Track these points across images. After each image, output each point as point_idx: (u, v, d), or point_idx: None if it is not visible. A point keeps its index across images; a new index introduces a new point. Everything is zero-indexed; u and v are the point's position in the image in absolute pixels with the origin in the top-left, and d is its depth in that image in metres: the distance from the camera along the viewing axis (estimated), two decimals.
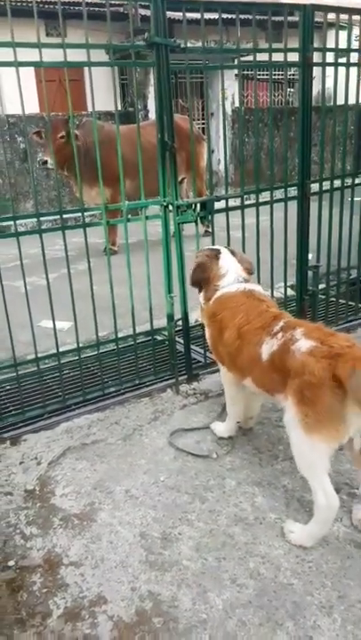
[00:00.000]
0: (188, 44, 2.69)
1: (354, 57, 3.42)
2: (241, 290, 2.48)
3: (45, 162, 6.01)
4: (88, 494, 2.41)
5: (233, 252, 2.68)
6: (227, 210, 3.15)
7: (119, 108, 9.50)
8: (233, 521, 2.20)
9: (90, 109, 9.27)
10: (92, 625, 1.80)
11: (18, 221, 2.86)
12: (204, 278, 2.61)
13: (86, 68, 2.73)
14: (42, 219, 2.72)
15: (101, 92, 2.96)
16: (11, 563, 2.07)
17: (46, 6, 7.77)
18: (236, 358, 2.37)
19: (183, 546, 2.10)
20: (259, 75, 3.23)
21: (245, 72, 7.70)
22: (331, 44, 3.32)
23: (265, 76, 3.19)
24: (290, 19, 3.09)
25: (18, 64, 2.38)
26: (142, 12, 8.28)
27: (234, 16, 2.86)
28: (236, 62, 3.11)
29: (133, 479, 2.48)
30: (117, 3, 6.03)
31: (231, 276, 2.56)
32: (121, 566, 2.03)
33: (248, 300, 2.41)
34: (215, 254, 2.63)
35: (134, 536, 2.16)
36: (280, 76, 10.23)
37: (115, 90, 2.85)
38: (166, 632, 1.76)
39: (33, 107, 8.32)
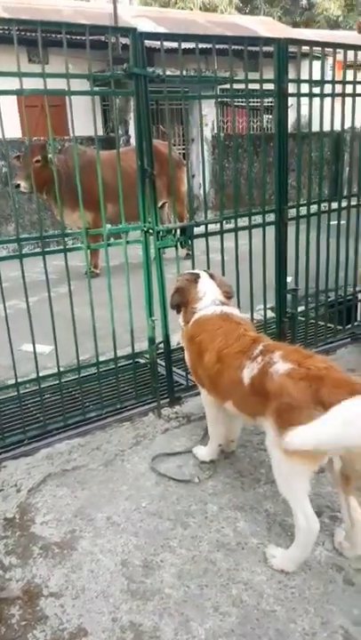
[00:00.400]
0: (168, 72, 2.76)
1: (328, 87, 3.53)
2: (218, 313, 2.52)
3: (18, 185, 6.05)
4: (69, 522, 2.37)
5: (212, 276, 2.72)
6: (206, 235, 3.19)
7: (100, 133, 9.62)
8: (215, 547, 2.19)
9: (71, 135, 9.40)
10: None
11: None
12: (183, 302, 2.65)
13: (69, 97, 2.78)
14: (23, 242, 2.72)
15: (83, 117, 3.00)
16: None
17: (27, 34, 7.91)
18: (216, 382, 2.38)
19: (165, 573, 2.07)
20: (236, 102, 3.31)
21: (224, 99, 7.89)
22: (305, 74, 3.44)
23: (243, 103, 3.28)
24: (265, 48, 3.19)
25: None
26: (123, 40, 8.45)
27: (211, 46, 2.96)
28: (214, 91, 3.20)
29: (115, 505, 2.45)
30: (97, 32, 6.17)
31: (208, 298, 2.59)
32: (102, 596, 1.99)
33: (225, 323, 2.44)
34: (194, 278, 2.67)
35: (116, 564, 2.13)
36: (258, 103, 10.51)
37: (94, 117, 2.89)
38: None
39: (16, 132, 8.38)
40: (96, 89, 2.97)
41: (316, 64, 3.82)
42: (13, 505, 2.50)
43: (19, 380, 2.93)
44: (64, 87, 2.60)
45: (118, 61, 3.03)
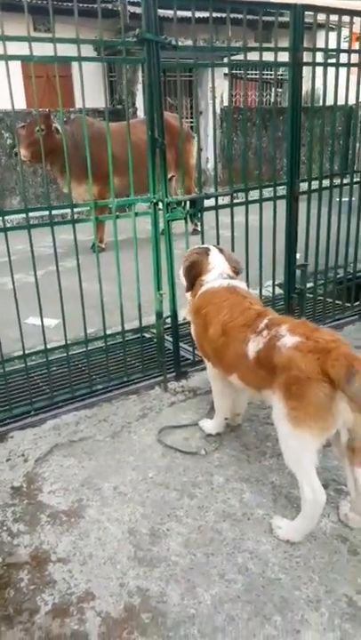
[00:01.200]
0: (178, 43, 2.69)
1: (343, 57, 3.44)
2: (225, 285, 2.51)
3: (17, 153, 6.02)
4: (76, 491, 2.40)
5: (221, 251, 2.69)
6: (216, 208, 3.15)
7: (108, 105, 9.45)
8: (221, 517, 2.21)
9: (78, 106, 9.24)
10: (80, 621, 1.80)
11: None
12: (197, 276, 2.63)
13: (74, 65, 2.70)
14: (30, 212, 2.69)
15: (89, 88, 2.94)
16: None
17: (34, 1, 7.73)
18: (221, 355, 2.38)
19: (172, 542, 2.10)
20: (248, 74, 3.23)
21: (235, 71, 7.72)
22: (320, 45, 3.34)
23: (254, 76, 3.17)
24: (280, 19, 3.10)
25: (8, 57, 2.36)
26: (131, 9, 8.26)
27: (224, 15, 2.87)
28: (225, 61, 3.12)
29: (122, 476, 2.48)
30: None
31: (216, 271, 2.58)
32: (109, 562, 2.02)
33: (231, 296, 2.43)
34: (205, 251, 2.65)
35: (123, 532, 2.16)
36: (269, 76, 10.28)
37: (104, 86, 2.83)
38: (155, 627, 1.76)
39: (20, 103, 8.25)
40: (107, 57, 2.89)
41: (332, 35, 3.72)
42: (20, 474, 2.53)
43: (26, 352, 2.94)
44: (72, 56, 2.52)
45: (126, 30, 2.95)
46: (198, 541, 2.10)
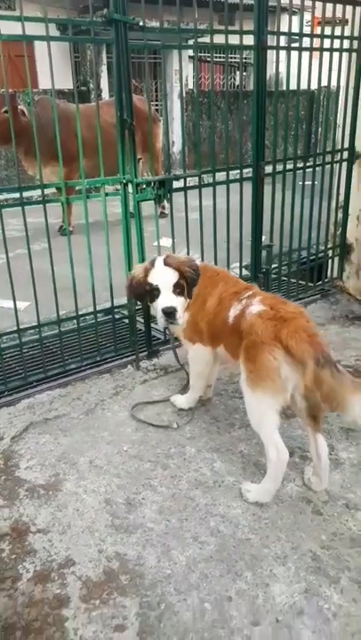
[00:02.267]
0: (145, 24, 2.72)
1: (306, 42, 3.53)
2: (201, 265, 2.61)
3: None
4: (52, 466, 2.46)
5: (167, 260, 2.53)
6: (185, 189, 3.22)
7: (71, 86, 9.29)
8: (194, 485, 2.32)
9: (41, 87, 9.07)
10: (61, 585, 1.88)
11: None
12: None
13: (37, 45, 2.70)
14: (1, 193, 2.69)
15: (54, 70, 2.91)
16: None
17: None
18: (213, 324, 2.47)
19: (147, 510, 2.20)
20: (214, 57, 3.27)
21: (201, 54, 7.72)
22: (284, 29, 3.42)
23: (220, 59, 3.20)
24: (245, 1, 3.15)
25: None
26: None
27: None
28: (191, 43, 3.15)
29: (97, 450, 2.56)
30: None
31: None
32: (88, 531, 2.11)
33: (217, 271, 2.61)
34: (151, 263, 2.54)
35: (99, 502, 2.24)
36: (235, 59, 10.28)
37: (72, 67, 2.84)
38: (133, 587, 1.86)
39: None
40: (75, 37, 2.88)
41: (295, 20, 3.79)
42: None
43: None
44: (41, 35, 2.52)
45: (83, 10, 2.92)
46: (172, 508, 2.20)
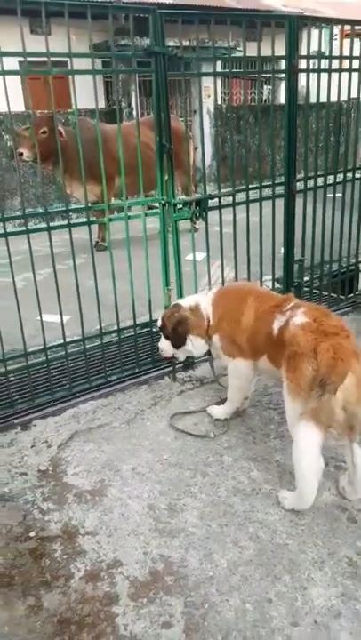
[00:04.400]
0: (174, 43, 2.87)
1: (335, 63, 3.64)
2: (215, 290, 2.90)
3: (21, 154, 6.14)
4: (98, 472, 2.60)
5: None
6: (219, 207, 3.35)
7: (103, 105, 9.62)
8: (232, 492, 2.43)
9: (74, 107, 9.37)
10: (111, 584, 2.01)
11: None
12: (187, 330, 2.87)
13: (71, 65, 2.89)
14: (31, 215, 2.83)
15: (86, 90, 3.04)
16: (32, 534, 2.26)
17: (27, 6, 7.83)
18: (254, 339, 2.60)
19: (188, 515, 2.31)
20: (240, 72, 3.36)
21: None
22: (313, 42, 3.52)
23: (250, 76, 3.35)
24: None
25: (4, 72, 2.54)
26: None
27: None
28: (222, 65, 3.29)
29: (139, 458, 2.69)
30: (119, 12, 6.10)
31: (195, 299, 2.91)
32: (133, 534, 2.23)
33: (237, 288, 2.79)
34: (177, 308, 2.91)
35: (143, 508, 2.37)
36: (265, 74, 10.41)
37: (117, 93, 3.01)
38: (178, 587, 1.98)
39: (19, 105, 8.36)
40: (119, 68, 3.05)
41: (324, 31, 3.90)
42: (46, 459, 2.73)
43: (46, 346, 3.13)
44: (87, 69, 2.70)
45: (121, 32, 3.06)
46: (212, 514, 2.31)
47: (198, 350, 2.93)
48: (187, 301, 2.93)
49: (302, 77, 3.54)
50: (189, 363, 3.53)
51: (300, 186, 3.72)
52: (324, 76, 3.54)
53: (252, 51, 3.19)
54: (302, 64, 3.39)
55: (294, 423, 2.22)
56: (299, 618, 1.85)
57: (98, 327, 3.32)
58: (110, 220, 3.07)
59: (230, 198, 3.42)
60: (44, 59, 2.60)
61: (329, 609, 1.87)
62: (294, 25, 3.24)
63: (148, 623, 1.85)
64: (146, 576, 2.04)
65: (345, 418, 2.17)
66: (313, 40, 3.56)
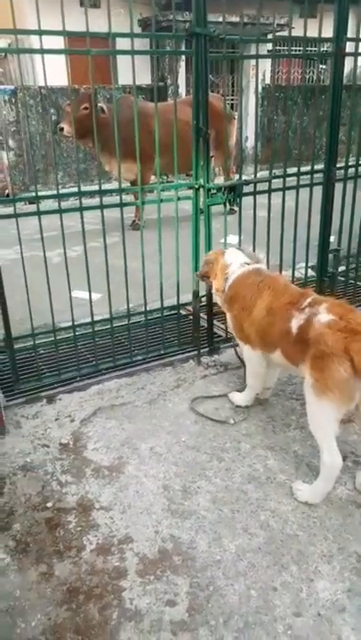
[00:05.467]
0: (220, 19, 2.80)
1: None
2: (250, 270, 2.77)
3: (62, 129, 6.18)
4: (117, 449, 2.66)
5: (240, 250, 2.97)
6: (254, 193, 3.30)
7: (148, 82, 9.53)
8: (246, 479, 2.44)
9: (121, 82, 9.35)
10: (120, 559, 2.07)
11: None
12: (210, 272, 2.93)
13: (118, 42, 2.85)
14: (68, 190, 2.87)
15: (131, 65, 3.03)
16: (49, 504, 2.34)
17: None
18: (265, 333, 2.57)
19: (201, 498, 2.35)
20: (291, 50, 3.25)
21: (278, 47, 7.67)
22: None
23: (297, 52, 3.21)
24: None
25: (43, 51, 2.54)
26: None
27: None
28: (269, 49, 3.21)
29: (157, 438, 2.73)
30: None
31: (235, 264, 2.83)
32: (146, 513, 2.29)
33: (265, 277, 2.68)
34: (221, 252, 2.95)
35: (158, 487, 2.41)
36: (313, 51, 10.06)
37: (155, 74, 2.98)
38: (185, 568, 2.02)
39: (65, 79, 8.41)
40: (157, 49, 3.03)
41: None
42: (68, 432, 2.81)
43: (75, 324, 3.20)
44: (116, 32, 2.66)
45: (169, 6, 3.02)
46: (225, 499, 2.34)
47: (217, 300, 3.03)
48: (230, 255, 2.91)
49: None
50: (215, 348, 3.54)
51: (340, 174, 3.61)
52: None
53: (309, 28, 3.07)
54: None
55: (321, 424, 2.20)
56: (302, 609, 1.86)
57: (126, 307, 3.36)
58: (143, 202, 3.07)
59: (266, 184, 3.36)
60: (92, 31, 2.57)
61: (334, 603, 1.88)
62: (344, 6, 3.11)
63: (153, 599, 1.90)
64: (155, 554, 2.09)
65: None
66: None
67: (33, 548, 2.12)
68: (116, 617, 1.85)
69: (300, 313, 2.37)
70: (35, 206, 2.83)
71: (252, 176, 3.37)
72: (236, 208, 3.35)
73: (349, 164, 3.65)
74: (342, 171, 3.65)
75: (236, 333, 2.83)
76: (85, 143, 6.59)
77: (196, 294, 3.43)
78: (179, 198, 3.17)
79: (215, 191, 3.08)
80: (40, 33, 2.52)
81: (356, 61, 3.37)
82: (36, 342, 3.15)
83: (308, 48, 3.16)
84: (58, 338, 3.19)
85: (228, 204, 3.25)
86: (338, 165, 3.57)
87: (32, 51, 2.67)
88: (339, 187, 3.71)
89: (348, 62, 3.69)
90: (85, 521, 2.26)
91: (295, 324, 2.36)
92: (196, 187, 3.11)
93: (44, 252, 2.99)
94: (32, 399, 3.04)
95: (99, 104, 6.07)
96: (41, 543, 2.15)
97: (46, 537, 2.19)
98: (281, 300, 2.50)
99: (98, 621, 1.84)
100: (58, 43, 2.77)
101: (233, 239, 3.65)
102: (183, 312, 3.76)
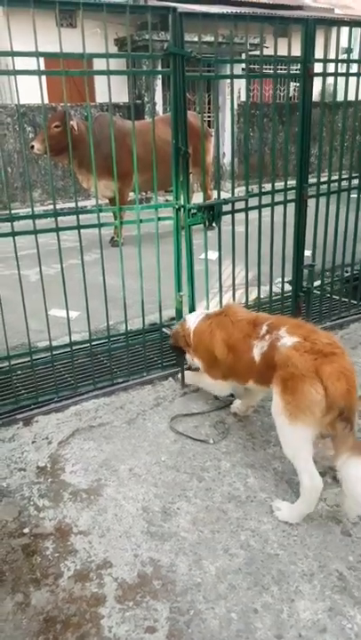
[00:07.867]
0: (195, 39, 2.85)
1: (354, 67, 3.57)
2: (201, 317, 2.91)
3: (32, 147, 6.21)
4: (95, 471, 2.63)
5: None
6: (232, 212, 3.33)
7: (125, 100, 9.59)
8: (227, 498, 2.43)
9: (99, 101, 9.40)
10: (99, 585, 2.03)
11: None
12: (179, 340, 3.05)
13: (95, 61, 2.86)
14: (39, 216, 2.85)
15: (112, 84, 3.05)
16: (25, 530, 2.29)
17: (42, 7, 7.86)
18: (235, 368, 2.64)
19: (181, 519, 2.32)
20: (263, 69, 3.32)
21: (252, 66, 7.81)
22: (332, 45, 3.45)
23: (269, 71, 3.29)
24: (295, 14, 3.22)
25: (15, 72, 2.54)
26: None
27: (244, 10, 3.02)
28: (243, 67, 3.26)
29: (137, 459, 2.70)
30: (136, 11, 6.10)
31: (191, 320, 2.97)
32: (125, 536, 2.25)
33: (214, 319, 2.79)
34: (183, 320, 3.07)
35: (137, 510, 2.38)
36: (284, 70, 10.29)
37: (130, 93, 3.01)
38: (165, 592, 1.99)
39: (44, 98, 8.44)
40: (134, 69, 3.06)
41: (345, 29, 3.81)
42: (45, 455, 2.76)
43: (52, 345, 3.16)
44: (92, 51, 2.66)
45: (146, 26, 3.06)
46: (205, 520, 2.32)
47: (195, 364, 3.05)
48: (189, 318, 3.03)
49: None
50: (196, 367, 3.53)
51: (312, 191, 3.66)
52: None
53: (281, 47, 3.15)
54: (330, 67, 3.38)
55: (297, 448, 2.20)
56: (283, 630, 1.84)
57: (106, 325, 3.34)
58: (122, 223, 3.08)
59: (244, 202, 3.39)
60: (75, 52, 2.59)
61: (315, 623, 1.86)
62: (311, 29, 3.18)
63: (132, 627, 1.86)
64: (134, 579, 2.05)
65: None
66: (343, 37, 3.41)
67: (9, 577, 2.07)
68: None
69: (260, 341, 2.41)
70: (10, 226, 2.81)
71: (230, 192, 3.40)
72: (215, 224, 3.37)
73: (321, 180, 3.70)
74: (315, 187, 3.70)
75: (212, 376, 2.89)
76: (61, 160, 6.61)
77: (179, 314, 3.42)
78: (159, 219, 3.17)
79: (195, 211, 3.10)
80: (12, 54, 2.52)
81: (324, 82, 3.44)
82: (12, 363, 3.11)
83: (279, 67, 3.23)
84: (35, 358, 3.14)
85: (207, 222, 3.27)
86: (310, 182, 3.62)
87: (5, 72, 2.66)
88: (314, 202, 3.77)
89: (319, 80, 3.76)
90: (63, 546, 2.22)
91: (257, 352, 2.41)
92: (177, 207, 3.12)
93: (19, 271, 2.96)
94: (8, 422, 2.99)
95: (71, 122, 6.09)
96: (17, 571, 2.10)
97: (23, 564, 2.13)
98: (236, 336, 2.56)
99: None
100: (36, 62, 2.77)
101: (213, 255, 3.67)
102: (167, 331, 3.74)
